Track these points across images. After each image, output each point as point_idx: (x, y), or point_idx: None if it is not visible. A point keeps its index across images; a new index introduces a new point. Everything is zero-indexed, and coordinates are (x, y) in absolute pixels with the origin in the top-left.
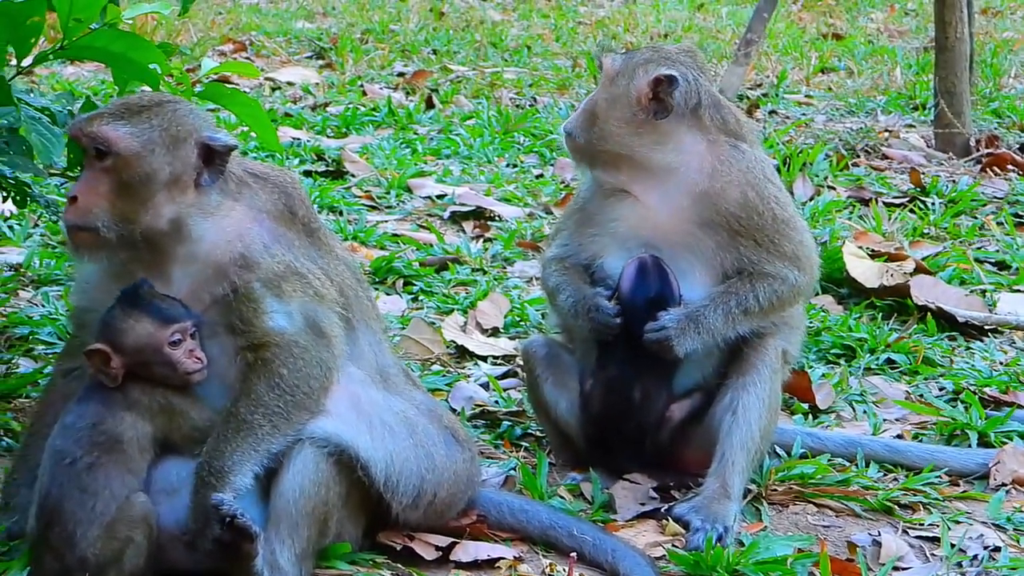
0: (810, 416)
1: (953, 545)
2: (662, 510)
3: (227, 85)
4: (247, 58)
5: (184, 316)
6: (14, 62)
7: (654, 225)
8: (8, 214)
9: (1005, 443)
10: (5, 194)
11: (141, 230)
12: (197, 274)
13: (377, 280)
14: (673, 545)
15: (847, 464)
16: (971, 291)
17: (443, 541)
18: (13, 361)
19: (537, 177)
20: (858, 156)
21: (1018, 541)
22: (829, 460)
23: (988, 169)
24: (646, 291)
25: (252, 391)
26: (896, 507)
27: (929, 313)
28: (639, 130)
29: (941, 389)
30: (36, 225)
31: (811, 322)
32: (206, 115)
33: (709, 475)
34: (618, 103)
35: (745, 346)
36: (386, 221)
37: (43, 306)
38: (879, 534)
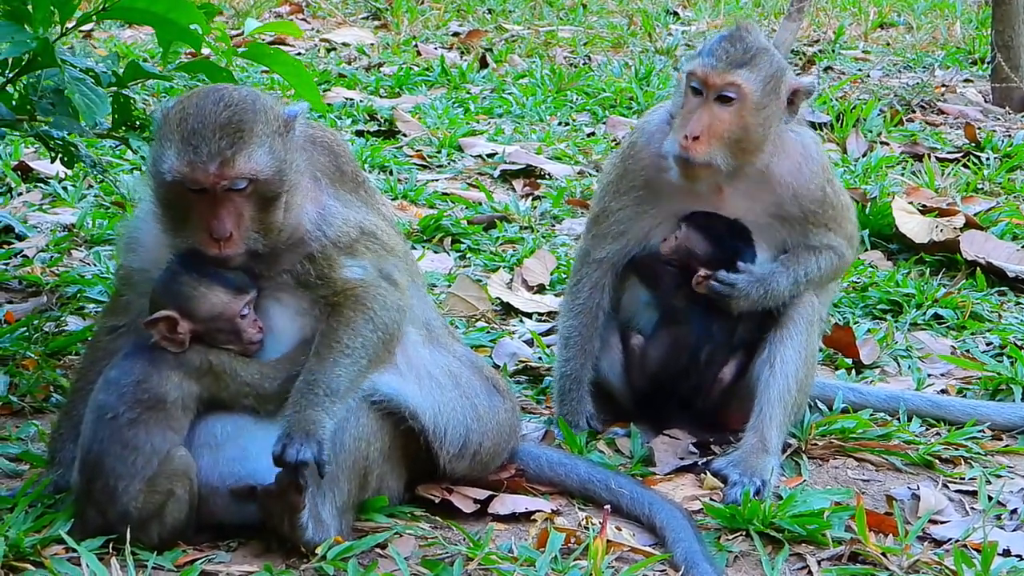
0: (854, 371)
1: (991, 498)
2: (700, 464)
3: (281, 47)
4: (303, 19)
5: (251, 286)
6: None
7: (730, 212)
8: (63, 175)
9: None
10: (53, 154)
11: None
12: (276, 248)
13: (425, 238)
14: (711, 499)
15: (888, 419)
16: (1023, 246)
17: (481, 494)
18: (63, 319)
19: (589, 135)
20: (913, 112)
21: None
22: (871, 415)
23: None
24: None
25: (351, 322)
26: (937, 461)
27: (978, 268)
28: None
29: (988, 344)
30: (90, 187)
31: (858, 278)
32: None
33: (747, 430)
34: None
35: None
36: (436, 180)
37: (95, 265)
38: (918, 488)
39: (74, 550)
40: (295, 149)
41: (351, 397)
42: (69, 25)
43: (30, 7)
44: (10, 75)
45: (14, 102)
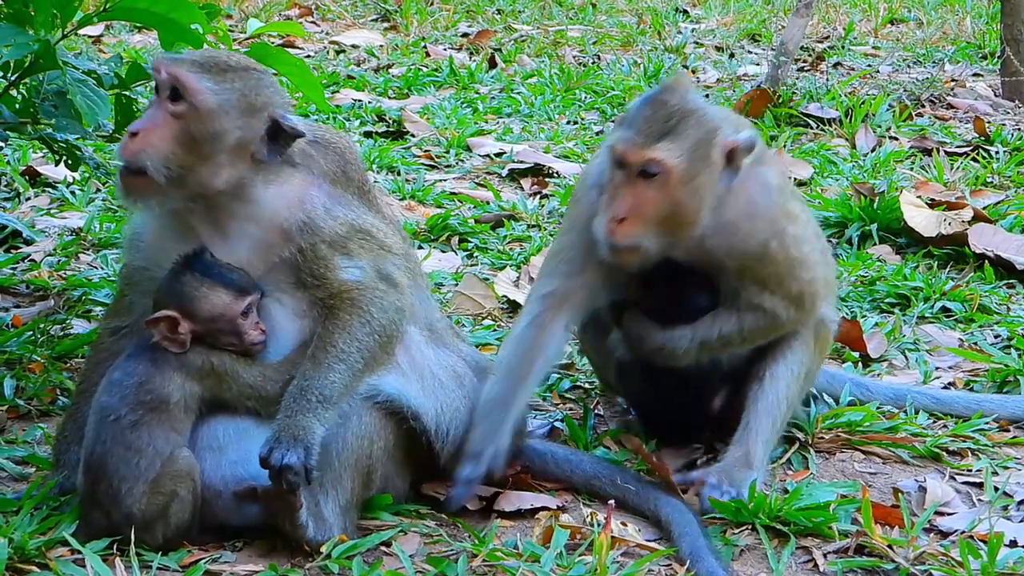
0: (861, 364)
1: (997, 489)
2: (677, 476)
3: (289, 50)
4: (312, 22)
5: (254, 287)
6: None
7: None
8: (70, 180)
9: None
10: (57, 157)
11: (196, 183)
12: (260, 236)
13: (432, 237)
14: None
15: (895, 411)
16: None
17: (486, 491)
18: (69, 323)
19: (597, 134)
20: (923, 106)
21: None
22: (878, 407)
23: None
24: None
25: (347, 326)
26: (944, 454)
27: (987, 261)
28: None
29: (996, 337)
30: (98, 191)
31: (866, 271)
32: (284, 94)
33: (732, 443)
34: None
35: None
36: (444, 180)
37: (102, 269)
38: (925, 480)
39: (79, 552)
40: (258, 140)
41: (346, 401)
42: (70, 27)
43: (31, 10)
44: (12, 78)
45: (17, 105)
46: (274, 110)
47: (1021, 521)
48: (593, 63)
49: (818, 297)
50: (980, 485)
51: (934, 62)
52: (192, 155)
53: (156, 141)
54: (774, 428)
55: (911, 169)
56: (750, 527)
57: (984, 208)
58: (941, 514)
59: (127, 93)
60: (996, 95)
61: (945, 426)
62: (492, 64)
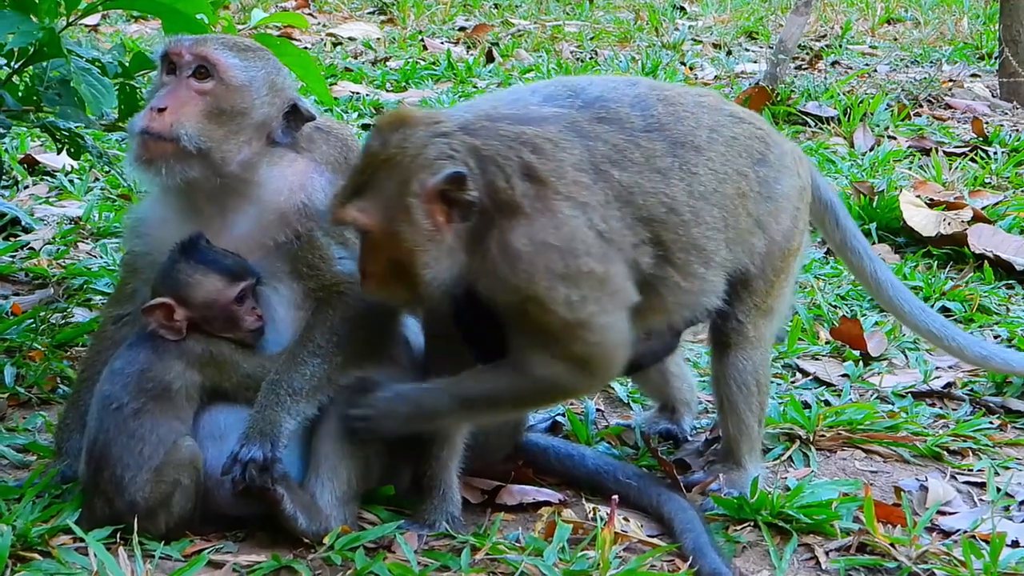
0: (861, 363)
1: (999, 489)
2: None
3: (290, 41)
4: (310, 14)
5: (249, 273)
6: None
7: None
8: (69, 168)
9: None
10: (59, 145)
11: (218, 160)
12: (259, 218)
13: None
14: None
15: (896, 410)
16: None
17: (488, 485)
18: (69, 311)
19: None
20: (921, 106)
21: None
22: (877, 396)
23: None
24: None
25: (329, 320)
26: (945, 453)
27: (986, 261)
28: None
29: (996, 337)
30: (96, 179)
31: None
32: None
33: (720, 454)
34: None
35: (724, 322)
36: None
37: (101, 257)
38: (926, 479)
39: (82, 540)
40: (278, 120)
41: (323, 393)
42: (74, 15)
43: None
44: (16, 66)
45: (20, 93)
46: (291, 92)
47: (1023, 521)
48: (590, 59)
49: (613, 363)
50: (981, 485)
51: (932, 62)
52: (221, 129)
53: (188, 114)
54: (752, 437)
55: (909, 169)
56: (752, 524)
57: (983, 208)
58: (943, 513)
59: (131, 82)
60: (994, 96)
61: (946, 425)
62: (490, 58)
